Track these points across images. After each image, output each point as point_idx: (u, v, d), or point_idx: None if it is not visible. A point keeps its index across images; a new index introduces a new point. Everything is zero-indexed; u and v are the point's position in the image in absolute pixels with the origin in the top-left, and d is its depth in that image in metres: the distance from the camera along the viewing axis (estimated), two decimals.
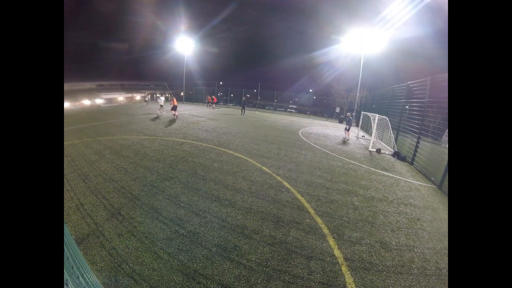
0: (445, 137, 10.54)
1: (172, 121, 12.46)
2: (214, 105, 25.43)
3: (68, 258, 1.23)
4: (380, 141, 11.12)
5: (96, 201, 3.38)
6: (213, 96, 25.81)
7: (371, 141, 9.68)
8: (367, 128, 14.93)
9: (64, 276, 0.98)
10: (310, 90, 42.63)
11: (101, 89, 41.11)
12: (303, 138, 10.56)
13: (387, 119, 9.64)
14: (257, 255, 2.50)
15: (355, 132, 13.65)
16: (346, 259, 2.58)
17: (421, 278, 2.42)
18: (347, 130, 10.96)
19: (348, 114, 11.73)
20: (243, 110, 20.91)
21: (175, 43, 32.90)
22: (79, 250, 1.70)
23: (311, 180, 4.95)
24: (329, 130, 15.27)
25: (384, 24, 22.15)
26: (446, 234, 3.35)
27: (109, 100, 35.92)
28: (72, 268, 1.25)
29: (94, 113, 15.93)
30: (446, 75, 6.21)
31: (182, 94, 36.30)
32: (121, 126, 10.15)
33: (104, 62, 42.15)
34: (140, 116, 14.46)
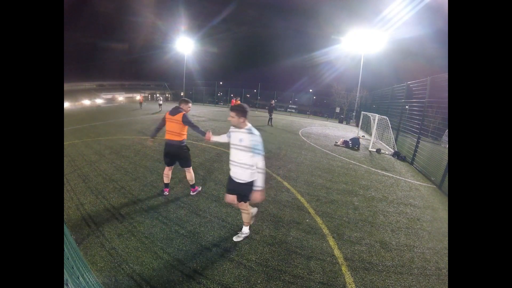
0: (445, 137, 10.53)
1: None
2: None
3: (68, 258, 1.23)
4: (380, 141, 11.11)
5: (96, 201, 3.38)
6: (237, 99, 16.98)
7: (371, 141, 9.68)
8: (367, 128, 14.93)
9: (64, 276, 0.98)
10: (310, 90, 42.73)
11: (101, 89, 41.12)
12: (303, 138, 10.56)
13: (387, 119, 9.64)
14: (257, 255, 2.50)
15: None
16: (346, 259, 2.57)
17: (421, 278, 2.41)
18: (351, 145, 9.16)
19: (361, 136, 9.36)
20: (270, 121, 14.05)
21: (175, 43, 32.94)
22: (79, 250, 1.70)
23: (311, 180, 4.95)
24: (329, 130, 15.27)
25: (384, 24, 22.17)
26: (446, 234, 3.35)
27: (109, 100, 35.86)
28: (72, 268, 1.25)
29: (94, 113, 15.93)
30: (446, 75, 6.21)
31: (182, 94, 36.32)
32: (121, 126, 10.15)
33: (104, 62, 42.19)
34: (140, 116, 14.47)
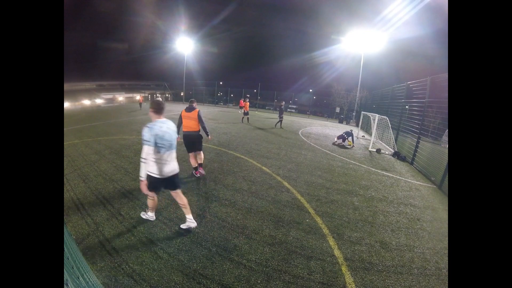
0: (445, 137, 10.54)
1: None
2: (243, 114, 14.54)
3: (68, 258, 1.23)
4: (380, 141, 11.11)
5: (96, 201, 3.38)
6: (246, 100, 15.00)
7: (371, 141, 9.68)
8: (367, 128, 14.93)
9: (64, 276, 0.98)
10: (310, 90, 42.65)
11: (101, 89, 41.04)
12: (303, 138, 10.56)
13: (387, 119, 9.64)
14: (257, 255, 2.50)
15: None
16: (346, 259, 2.57)
17: (421, 278, 2.41)
18: (346, 138, 9.33)
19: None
20: (279, 123, 13.14)
21: (175, 43, 32.95)
22: (79, 250, 1.70)
23: (311, 180, 4.95)
24: (329, 130, 15.27)
25: (384, 24, 22.17)
26: (446, 234, 3.35)
27: (109, 100, 35.81)
28: (72, 268, 1.25)
29: (94, 113, 15.93)
30: (446, 75, 6.21)
31: (182, 94, 36.33)
32: (121, 126, 10.15)
33: (104, 62, 42.06)
34: (140, 116, 14.46)
